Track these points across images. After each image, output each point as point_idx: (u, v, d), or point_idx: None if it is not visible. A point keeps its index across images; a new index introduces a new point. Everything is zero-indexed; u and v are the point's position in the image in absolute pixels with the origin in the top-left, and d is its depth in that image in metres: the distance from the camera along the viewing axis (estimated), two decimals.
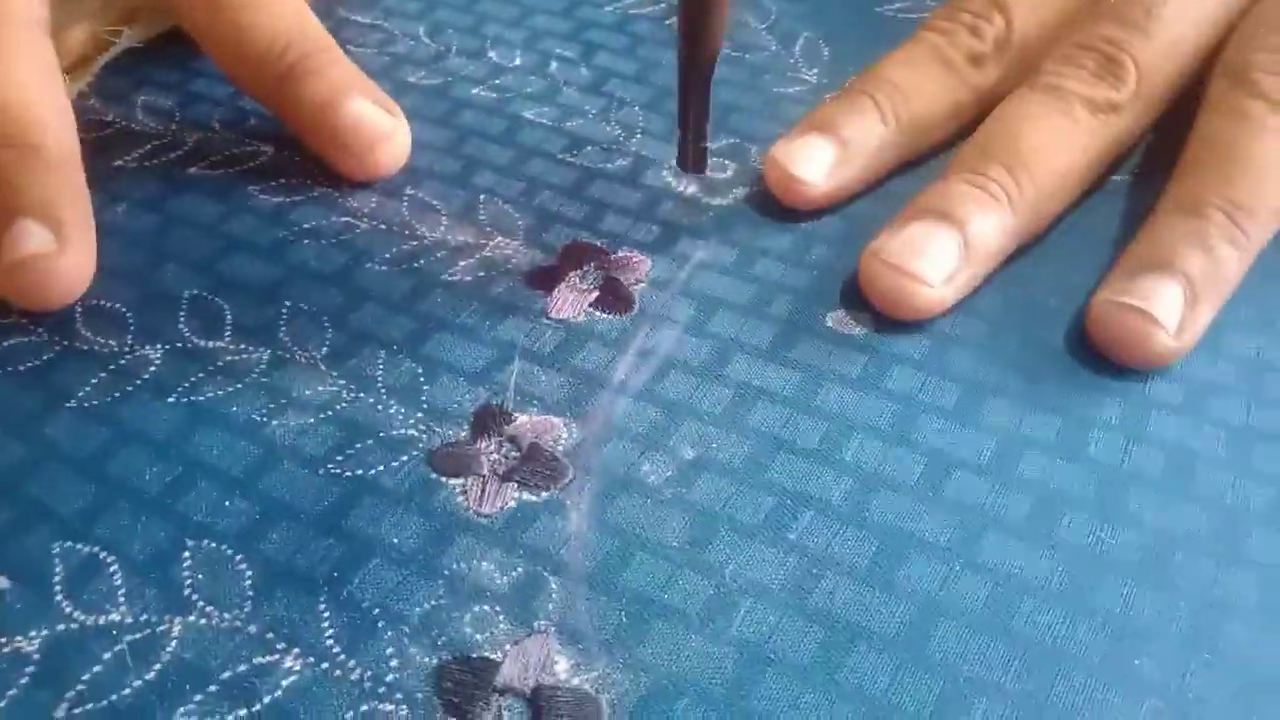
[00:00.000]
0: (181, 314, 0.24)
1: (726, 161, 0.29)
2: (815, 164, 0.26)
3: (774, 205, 0.27)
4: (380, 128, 0.28)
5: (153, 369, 0.23)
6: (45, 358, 0.23)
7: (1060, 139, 0.25)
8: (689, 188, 0.28)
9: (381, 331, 0.24)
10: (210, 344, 0.24)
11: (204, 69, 0.32)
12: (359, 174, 0.28)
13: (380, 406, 0.22)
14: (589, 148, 0.29)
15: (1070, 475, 0.21)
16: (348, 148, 0.27)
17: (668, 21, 0.34)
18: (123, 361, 0.23)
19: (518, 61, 0.33)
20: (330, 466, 0.21)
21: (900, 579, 0.19)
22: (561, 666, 0.18)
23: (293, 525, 0.20)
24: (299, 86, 0.27)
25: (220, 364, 0.23)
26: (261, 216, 0.27)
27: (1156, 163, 0.27)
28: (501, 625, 0.19)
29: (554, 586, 0.19)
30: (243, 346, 0.24)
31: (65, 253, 0.23)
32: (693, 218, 0.27)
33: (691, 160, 0.27)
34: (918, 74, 0.27)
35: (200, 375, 0.23)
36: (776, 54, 0.33)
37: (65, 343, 0.24)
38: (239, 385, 0.23)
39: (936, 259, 0.23)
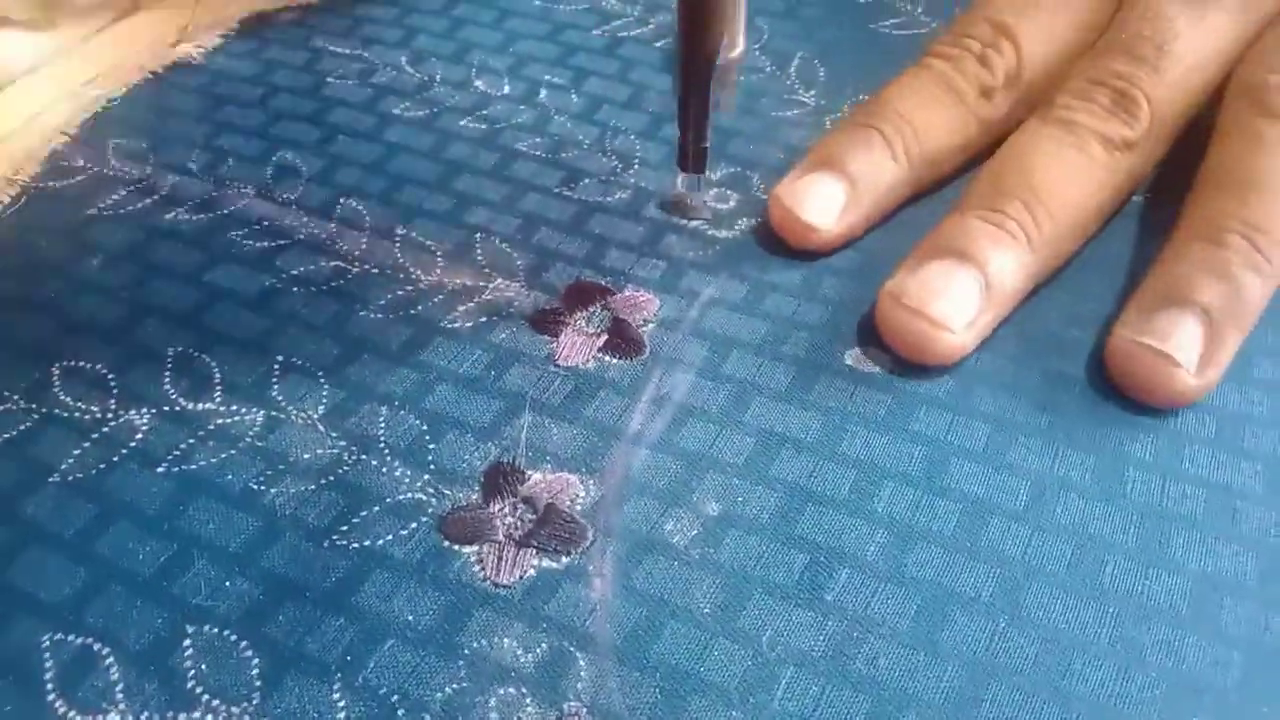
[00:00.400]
0: (167, 374, 0.23)
1: (729, 191, 0.28)
2: (824, 207, 0.25)
3: (779, 239, 0.26)
4: None
5: (139, 436, 0.22)
6: (21, 428, 0.22)
7: (1076, 175, 0.24)
8: (692, 221, 0.27)
9: (381, 385, 0.23)
10: (199, 406, 0.22)
11: (179, 107, 0.31)
12: None
13: (384, 469, 0.21)
14: (586, 180, 0.28)
15: (1109, 519, 0.20)
16: None
17: (658, 44, 0.33)
18: (106, 429, 0.22)
19: (506, 90, 0.32)
20: (335, 538, 0.20)
21: (945, 639, 0.18)
22: None
23: (299, 604, 0.19)
24: None
25: (211, 428, 0.22)
26: (246, 263, 0.26)
27: (1169, 185, 0.27)
28: (529, 709, 0.17)
29: (582, 663, 0.18)
30: (234, 407, 0.22)
31: None
32: (698, 251, 0.26)
33: (692, 161, 0.26)
34: (926, 105, 0.26)
35: (190, 441, 0.22)
36: (772, 75, 0.32)
37: (42, 410, 0.22)
38: (233, 450, 0.21)
39: (958, 302, 0.22)
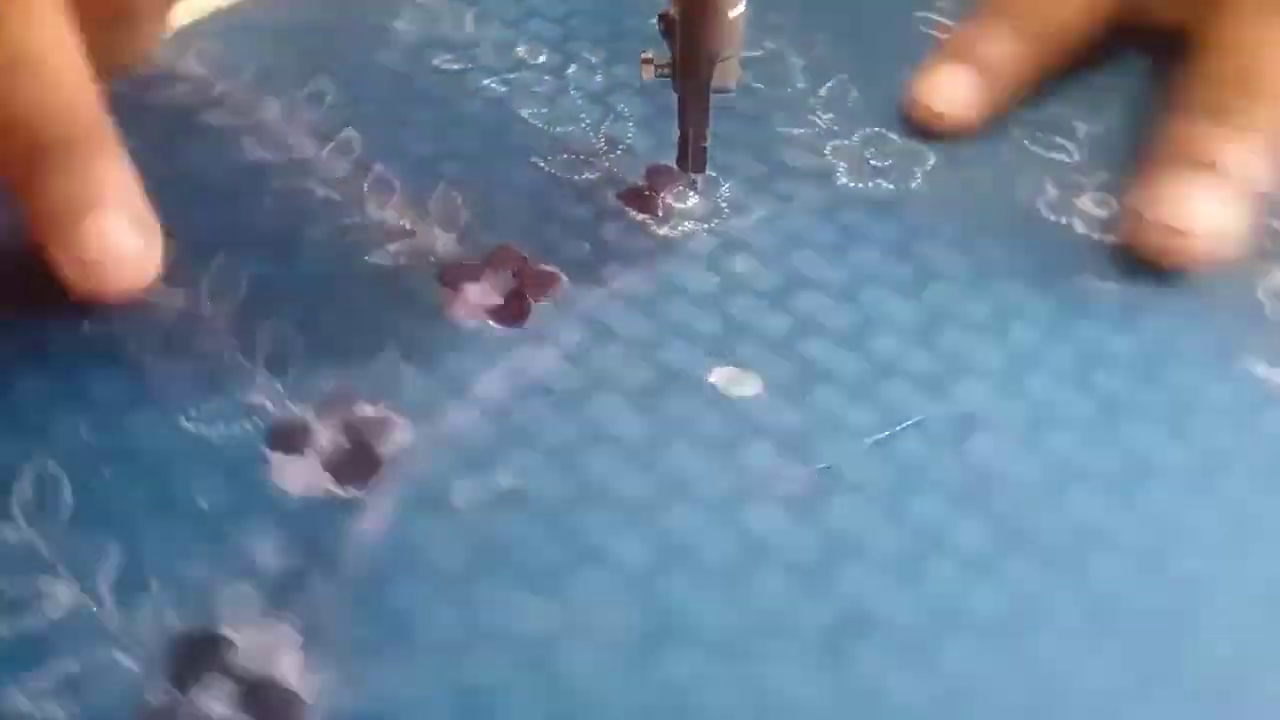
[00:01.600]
0: None
1: (692, 193, 0.28)
2: (957, 95, 0.28)
3: (715, 243, 0.26)
4: (124, 252, 0.23)
5: None
6: None
7: None
8: (639, 214, 0.27)
9: (279, 304, 0.25)
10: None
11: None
12: (80, 292, 0.23)
13: (248, 370, 0.23)
14: (564, 155, 0.29)
15: None
16: (81, 266, 0.23)
17: None
18: None
19: (541, 59, 0.33)
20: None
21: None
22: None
23: None
24: (48, 177, 0.22)
25: None
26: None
27: None
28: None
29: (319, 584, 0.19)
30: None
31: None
32: (630, 243, 0.26)
33: (691, 160, 0.26)
34: None
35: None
36: (800, 92, 0.31)
37: None
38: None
39: (1208, 212, 0.25)
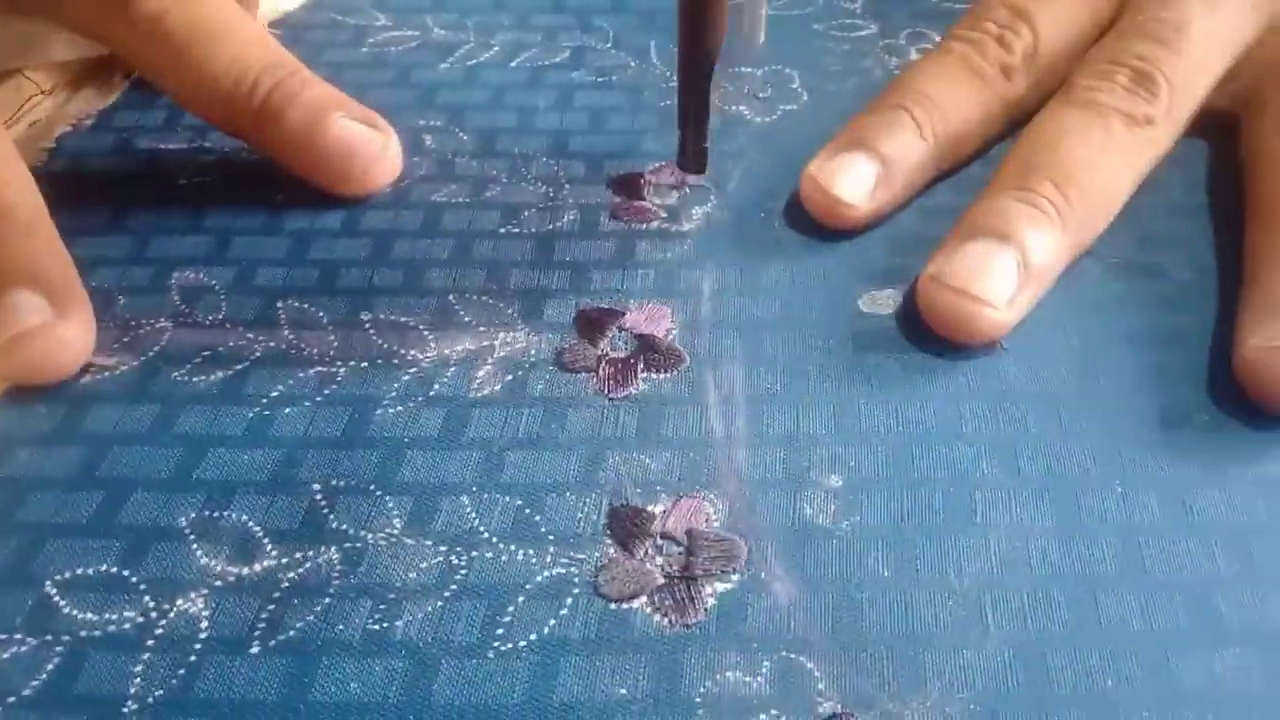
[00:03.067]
0: (196, 548, 0.20)
1: (686, 182, 0.28)
2: (858, 185, 0.26)
3: (743, 217, 0.27)
4: (370, 146, 0.27)
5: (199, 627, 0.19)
6: None
7: (1102, 154, 0.25)
8: (652, 223, 0.27)
9: (446, 477, 0.21)
10: (255, 568, 0.19)
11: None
12: (353, 192, 0.27)
13: (504, 557, 0.20)
14: (525, 213, 0.27)
15: None
16: (338, 171, 0.27)
17: (513, 64, 0.33)
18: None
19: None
20: (498, 644, 0.18)
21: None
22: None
23: None
24: (277, 117, 0.27)
25: (285, 586, 0.19)
26: (210, 403, 0.23)
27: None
28: None
29: (811, 666, 0.18)
30: (296, 555, 0.20)
31: (66, 319, 0.23)
32: (674, 250, 0.26)
33: (691, 160, 0.26)
34: (951, 86, 0.27)
35: (267, 612, 0.19)
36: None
37: None
38: (325, 600, 0.19)
39: (999, 280, 0.23)
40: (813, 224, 0.26)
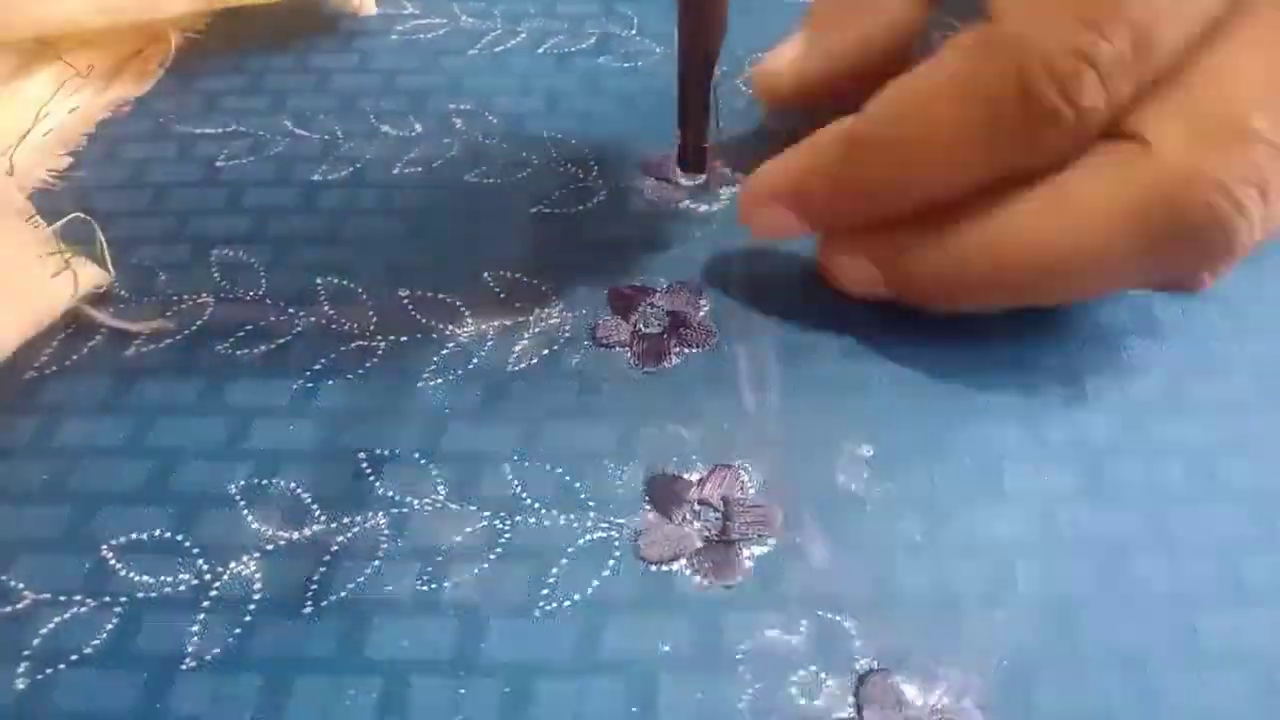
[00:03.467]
0: (246, 511, 0.20)
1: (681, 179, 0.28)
2: (780, 57, 0.27)
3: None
4: None
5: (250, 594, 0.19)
6: None
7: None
8: (681, 203, 0.27)
9: (487, 445, 0.22)
10: (303, 533, 0.20)
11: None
12: None
13: (547, 523, 0.20)
14: (556, 193, 0.28)
15: None
16: None
17: (539, 50, 0.33)
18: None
19: (418, 129, 0.30)
20: (543, 604, 0.19)
21: None
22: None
23: (555, 678, 0.18)
24: None
25: (333, 551, 0.20)
26: (255, 377, 0.23)
27: None
28: (829, 683, 0.18)
29: (849, 625, 0.19)
30: (345, 520, 0.20)
31: None
32: (700, 229, 0.27)
33: (691, 160, 0.27)
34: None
35: (319, 574, 0.19)
36: None
37: None
38: (375, 562, 0.20)
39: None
40: None
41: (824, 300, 0.24)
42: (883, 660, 0.18)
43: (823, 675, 0.18)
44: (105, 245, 0.26)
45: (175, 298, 0.25)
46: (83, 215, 0.26)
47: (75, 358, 0.24)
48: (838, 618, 0.19)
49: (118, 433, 0.22)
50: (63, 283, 0.24)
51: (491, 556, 0.20)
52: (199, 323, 0.24)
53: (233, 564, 0.20)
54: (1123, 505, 0.20)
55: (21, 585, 0.19)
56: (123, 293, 0.25)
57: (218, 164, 0.29)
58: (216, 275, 0.26)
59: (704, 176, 0.27)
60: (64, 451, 0.22)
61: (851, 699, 0.18)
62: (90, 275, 0.25)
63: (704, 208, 0.27)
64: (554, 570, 0.19)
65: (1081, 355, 0.23)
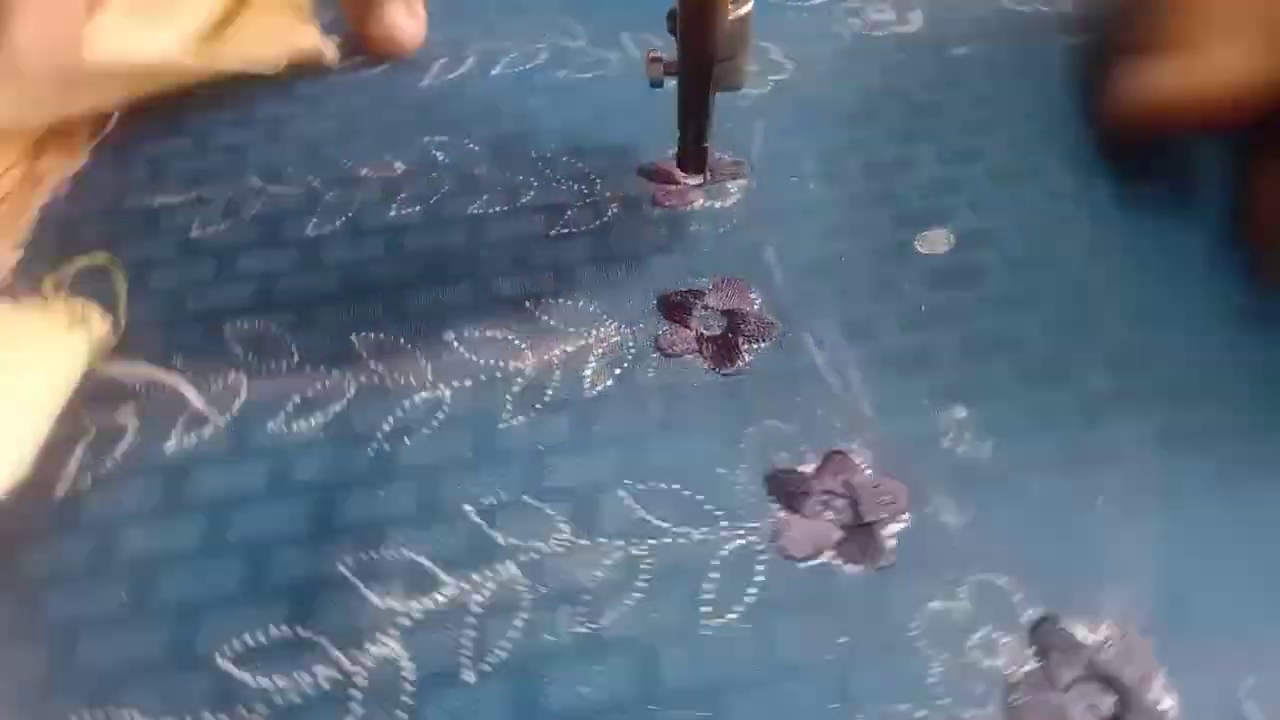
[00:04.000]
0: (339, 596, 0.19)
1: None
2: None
3: (776, 184, 0.28)
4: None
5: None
6: None
7: None
8: (695, 203, 0.27)
9: (594, 476, 0.21)
10: (420, 604, 0.19)
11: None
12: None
13: (684, 540, 0.20)
14: (568, 213, 0.27)
15: None
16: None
17: (494, 72, 0.32)
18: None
19: (400, 167, 0.29)
20: (704, 620, 0.19)
21: None
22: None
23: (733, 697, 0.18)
24: None
25: (446, 604, 0.19)
26: (315, 450, 0.22)
27: None
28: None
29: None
30: (461, 576, 0.19)
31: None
32: (726, 223, 0.27)
33: (692, 161, 0.27)
34: None
35: (465, 640, 0.18)
36: None
37: None
38: (522, 617, 0.19)
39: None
40: (843, 183, 0.28)
41: (867, 276, 0.25)
42: (1046, 607, 0.19)
43: (996, 634, 0.18)
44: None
45: (203, 382, 0.23)
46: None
47: (109, 465, 0.22)
48: (990, 576, 0.19)
49: (189, 535, 0.20)
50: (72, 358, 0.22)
51: (640, 584, 0.19)
52: (238, 403, 0.23)
53: (369, 646, 0.18)
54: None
55: (137, 713, 0.18)
56: (138, 386, 0.23)
57: (193, 235, 0.27)
58: (239, 350, 0.24)
59: (706, 175, 0.28)
60: (135, 566, 0.20)
61: (1030, 650, 0.18)
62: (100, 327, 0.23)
63: (719, 204, 0.27)
64: (706, 586, 0.19)
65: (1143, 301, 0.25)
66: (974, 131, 0.29)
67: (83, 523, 0.20)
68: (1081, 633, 0.18)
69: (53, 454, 0.21)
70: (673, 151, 0.28)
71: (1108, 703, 0.17)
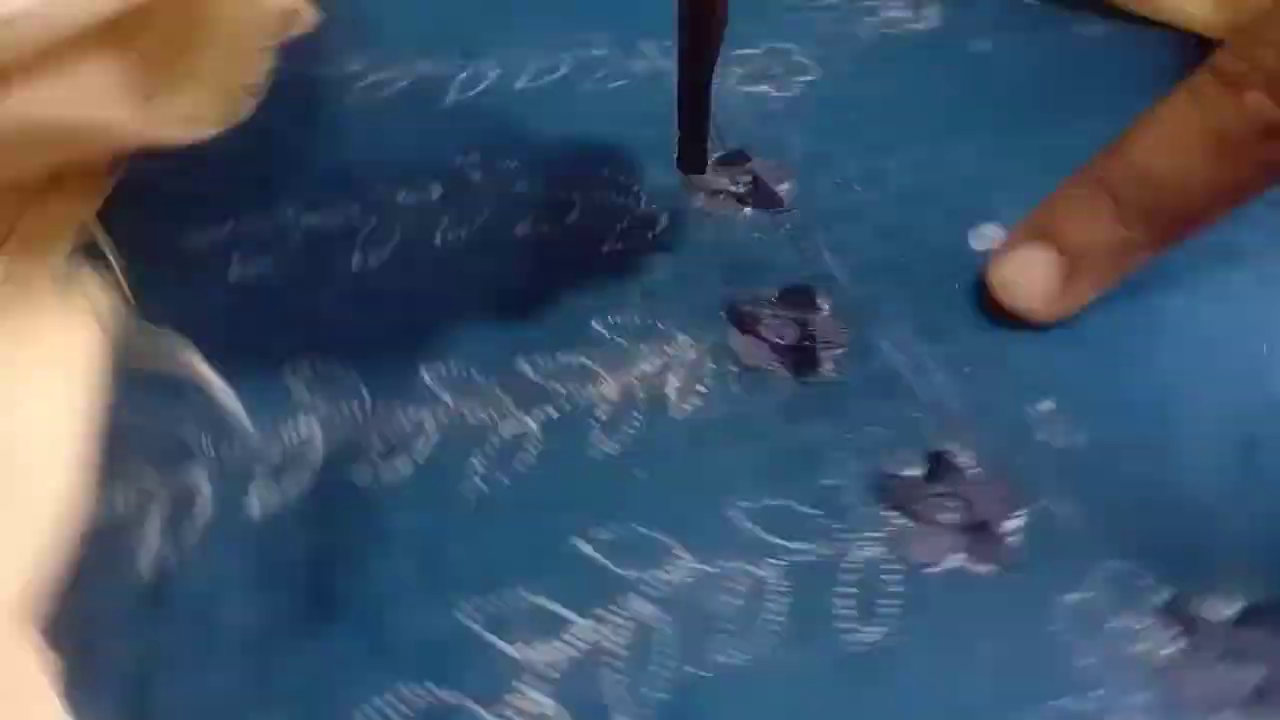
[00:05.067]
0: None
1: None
2: (1036, 289, 0.23)
3: (821, 187, 0.27)
4: None
5: None
6: None
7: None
8: (744, 208, 0.27)
9: (703, 498, 0.21)
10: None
11: None
12: None
13: (804, 557, 0.20)
14: (618, 225, 0.26)
15: None
16: None
17: (473, 91, 0.31)
18: None
19: (437, 193, 0.28)
20: (847, 636, 0.18)
21: None
22: None
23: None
24: None
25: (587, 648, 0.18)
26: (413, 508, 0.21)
27: None
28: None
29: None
30: (610, 610, 0.19)
31: None
32: (780, 228, 0.26)
33: (689, 160, 0.26)
34: (1178, 153, 0.21)
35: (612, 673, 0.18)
36: None
37: None
38: (665, 653, 0.18)
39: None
40: (887, 183, 0.28)
41: (930, 275, 0.25)
42: (1178, 586, 0.19)
43: (1134, 620, 0.19)
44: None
45: (269, 432, 0.22)
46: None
47: (193, 540, 0.20)
48: (1115, 562, 0.19)
49: (292, 599, 0.19)
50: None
51: (772, 607, 0.19)
52: (316, 454, 0.22)
53: (509, 698, 0.18)
54: None
55: None
56: (205, 442, 0.22)
57: (231, 278, 0.26)
58: (306, 396, 0.23)
59: (705, 175, 0.27)
60: (248, 645, 0.19)
61: (1170, 631, 0.18)
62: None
63: (769, 210, 0.27)
64: (841, 602, 0.19)
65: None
66: (1007, 127, 0.29)
67: (174, 605, 0.19)
68: (1216, 607, 0.19)
69: (125, 523, 0.20)
70: (717, 154, 0.28)
71: (1257, 673, 0.18)
